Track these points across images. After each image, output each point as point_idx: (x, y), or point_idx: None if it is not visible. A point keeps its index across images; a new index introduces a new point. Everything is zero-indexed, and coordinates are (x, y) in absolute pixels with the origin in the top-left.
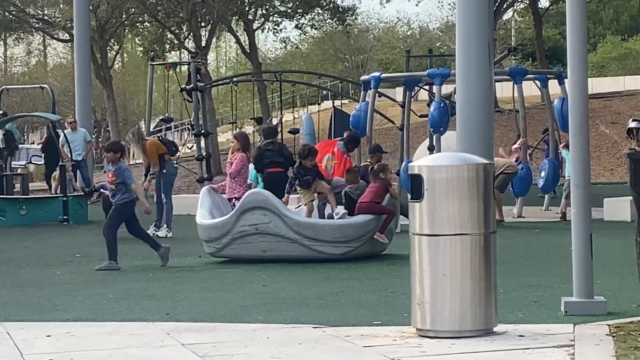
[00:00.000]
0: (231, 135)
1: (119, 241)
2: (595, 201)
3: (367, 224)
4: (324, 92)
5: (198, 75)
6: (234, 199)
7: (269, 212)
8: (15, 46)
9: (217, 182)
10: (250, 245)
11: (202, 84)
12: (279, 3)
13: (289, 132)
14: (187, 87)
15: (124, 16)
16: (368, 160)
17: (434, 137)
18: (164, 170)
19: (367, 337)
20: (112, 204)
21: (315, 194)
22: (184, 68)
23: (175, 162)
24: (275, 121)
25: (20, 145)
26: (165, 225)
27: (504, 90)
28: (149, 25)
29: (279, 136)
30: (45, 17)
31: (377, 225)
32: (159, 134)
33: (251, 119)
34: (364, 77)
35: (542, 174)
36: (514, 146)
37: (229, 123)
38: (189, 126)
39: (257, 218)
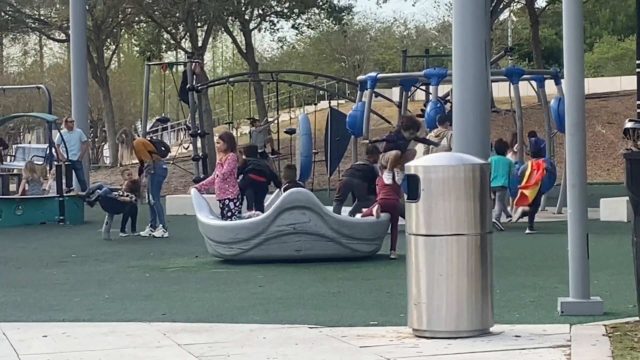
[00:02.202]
0: None
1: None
2: (592, 201)
3: (388, 222)
4: (321, 92)
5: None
6: (226, 200)
7: (308, 211)
8: (11, 46)
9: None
10: (284, 245)
11: (199, 85)
12: (275, 3)
13: (286, 132)
14: (180, 94)
15: (120, 16)
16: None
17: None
18: (152, 172)
19: (363, 338)
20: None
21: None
22: (180, 68)
23: (171, 161)
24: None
25: (19, 145)
26: (160, 226)
27: (501, 90)
28: (145, 25)
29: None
30: (42, 17)
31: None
32: (154, 134)
33: (247, 119)
34: (360, 77)
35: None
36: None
37: (226, 123)
38: (185, 126)
39: (296, 217)
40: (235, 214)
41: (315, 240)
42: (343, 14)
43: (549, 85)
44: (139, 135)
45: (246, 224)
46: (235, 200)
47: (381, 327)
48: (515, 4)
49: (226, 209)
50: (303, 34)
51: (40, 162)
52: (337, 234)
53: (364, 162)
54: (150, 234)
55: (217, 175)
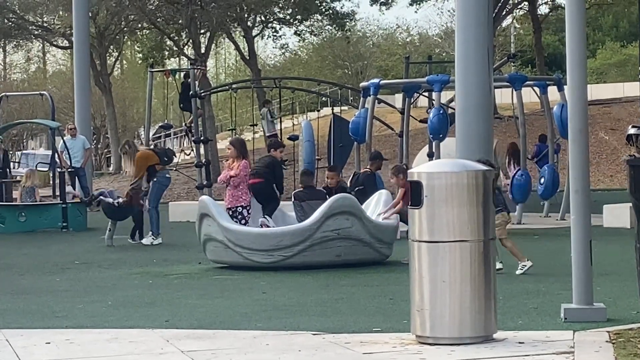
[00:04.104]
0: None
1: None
2: (595, 208)
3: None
4: (323, 98)
5: (195, 82)
6: (239, 207)
7: (351, 217)
8: (14, 53)
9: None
10: (326, 251)
11: (201, 91)
12: (277, 10)
13: (288, 138)
14: (181, 104)
15: (123, 23)
16: (368, 167)
17: (434, 143)
18: (155, 179)
19: (366, 344)
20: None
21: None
22: (182, 75)
23: (174, 168)
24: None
25: (24, 152)
26: (150, 234)
27: (503, 96)
28: (148, 32)
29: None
30: (45, 24)
31: None
32: (157, 141)
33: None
34: (363, 84)
35: (542, 180)
36: None
37: (229, 130)
38: (186, 129)
39: (340, 223)
40: (248, 221)
41: (354, 245)
42: (346, 20)
43: (552, 92)
44: (142, 143)
45: (291, 230)
46: (248, 208)
47: (384, 334)
48: (518, 10)
49: (239, 216)
50: (305, 41)
51: (46, 169)
52: (373, 239)
53: (364, 170)
54: (151, 243)
55: (228, 183)
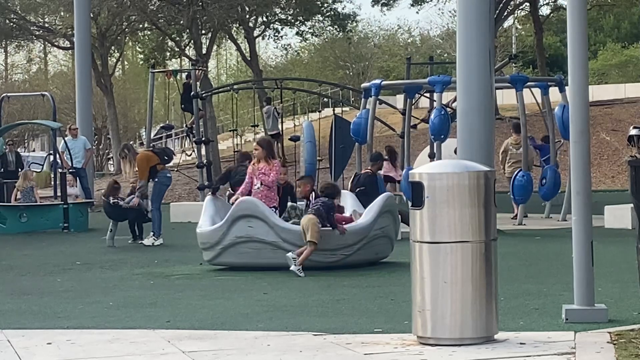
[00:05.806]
0: (231, 143)
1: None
2: (596, 209)
3: None
4: (325, 99)
5: (197, 82)
6: (272, 208)
7: (390, 215)
8: (15, 54)
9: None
10: (371, 249)
11: (202, 92)
12: (279, 11)
13: (290, 139)
14: (183, 105)
15: (124, 24)
16: (369, 168)
17: (435, 144)
18: (156, 179)
19: (368, 345)
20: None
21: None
22: (185, 75)
23: (175, 169)
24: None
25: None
26: (152, 234)
27: (505, 97)
28: (149, 32)
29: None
30: (46, 25)
31: None
32: (158, 142)
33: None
34: (364, 85)
35: (543, 181)
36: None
37: (230, 130)
38: (187, 130)
39: (384, 221)
40: None
41: (386, 243)
42: (347, 21)
43: (553, 93)
44: (143, 144)
45: (354, 228)
46: (278, 208)
47: (386, 334)
48: (519, 11)
49: None
50: (307, 41)
51: (39, 170)
52: (395, 236)
53: (365, 171)
54: (152, 243)
55: (258, 185)
